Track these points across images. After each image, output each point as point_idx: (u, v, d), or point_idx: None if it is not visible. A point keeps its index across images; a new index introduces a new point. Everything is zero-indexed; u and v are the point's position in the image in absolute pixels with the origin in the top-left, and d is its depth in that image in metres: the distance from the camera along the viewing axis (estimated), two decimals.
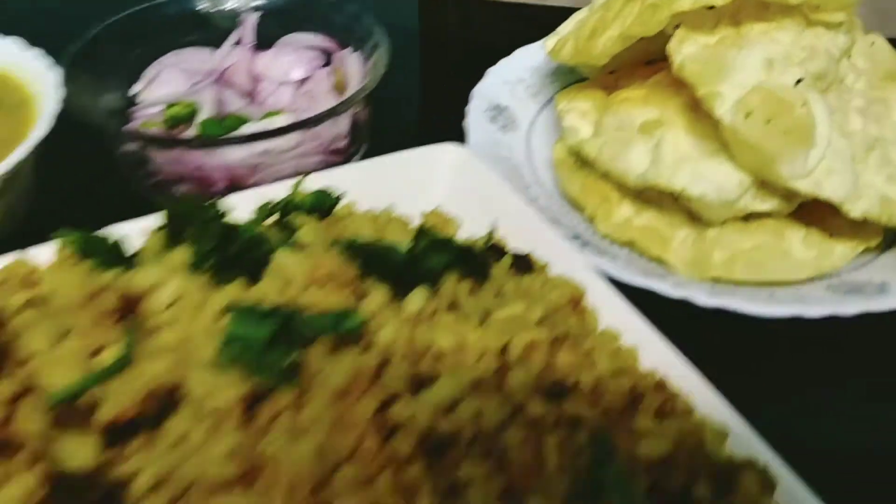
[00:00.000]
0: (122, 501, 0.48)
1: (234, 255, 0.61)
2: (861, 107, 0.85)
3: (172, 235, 0.64)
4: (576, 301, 0.71)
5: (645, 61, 0.98)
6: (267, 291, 0.56)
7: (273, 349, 0.50)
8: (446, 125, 1.03)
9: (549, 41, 1.05)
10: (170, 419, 0.50)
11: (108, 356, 0.55)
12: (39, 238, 0.77)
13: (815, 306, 0.79)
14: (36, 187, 0.86)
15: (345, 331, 0.54)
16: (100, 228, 0.74)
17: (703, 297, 0.80)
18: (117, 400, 0.51)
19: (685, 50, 0.85)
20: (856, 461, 0.61)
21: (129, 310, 0.58)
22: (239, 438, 0.47)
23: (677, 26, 0.87)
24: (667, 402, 0.62)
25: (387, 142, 0.93)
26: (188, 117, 0.99)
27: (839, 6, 0.84)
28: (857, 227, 0.84)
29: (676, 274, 0.87)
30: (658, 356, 0.66)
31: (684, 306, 0.80)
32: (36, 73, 0.91)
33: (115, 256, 0.63)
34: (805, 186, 0.78)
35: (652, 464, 0.55)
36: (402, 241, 0.66)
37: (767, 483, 0.56)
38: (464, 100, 1.09)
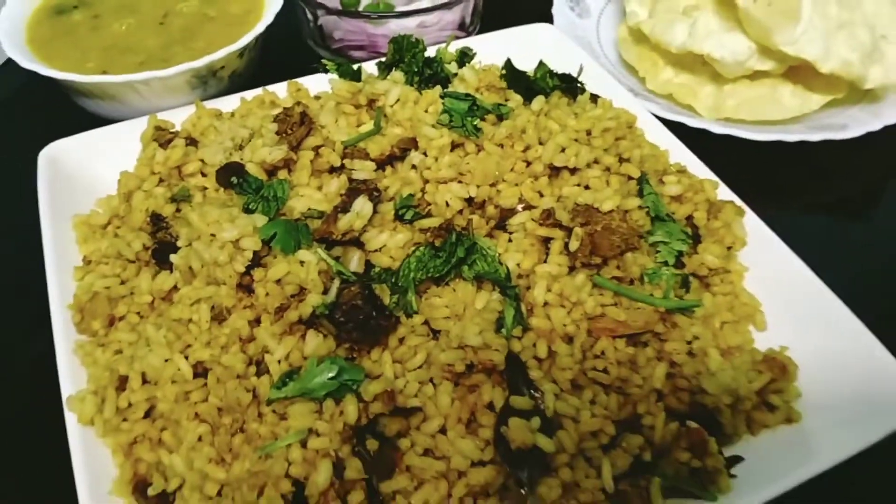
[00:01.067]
0: (382, 198, 0.92)
1: (430, 75, 1.03)
2: None
3: (388, 65, 1.06)
4: (630, 124, 1.11)
5: None
6: (457, 90, 0.98)
7: (468, 116, 0.92)
8: (528, 12, 1.40)
9: None
10: (409, 155, 0.93)
11: (366, 127, 0.98)
12: (272, 79, 1.19)
13: (792, 134, 1.18)
14: (263, 46, 1.27)
15: (501, 113, 0.96)
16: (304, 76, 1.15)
17: (716, 128, 1.19)
18: (376, 148, 0.94)
19: None
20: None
21: (371, 105, 1.01)
22: (454, 159, 0.90)
23: None
24: (683, 174, 1.02)
25: (493, 23, 1.32)
26: (356, 3, 1.40)
27: None
28: (828, 84, 1.22)
29: (700, 116, 1.26)
30: (681, 156, 1.07)
31: (703, 135, 1.19)
32: None
33: (356, 75, 1.06)
34: (791, 50, 1.16)
35: (672, 197, 0.97)
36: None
37: (740, 211, 0.97)
38: None
